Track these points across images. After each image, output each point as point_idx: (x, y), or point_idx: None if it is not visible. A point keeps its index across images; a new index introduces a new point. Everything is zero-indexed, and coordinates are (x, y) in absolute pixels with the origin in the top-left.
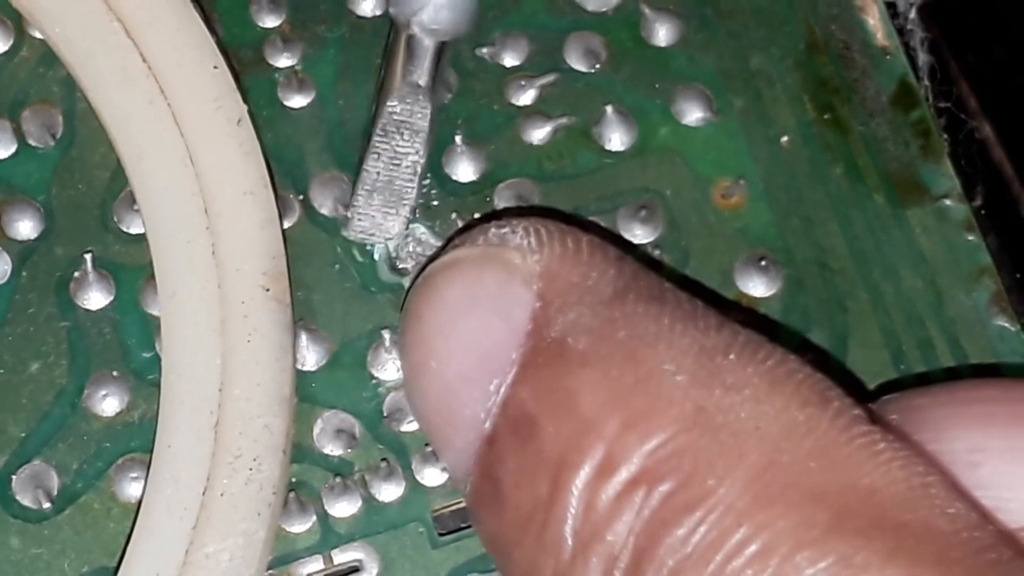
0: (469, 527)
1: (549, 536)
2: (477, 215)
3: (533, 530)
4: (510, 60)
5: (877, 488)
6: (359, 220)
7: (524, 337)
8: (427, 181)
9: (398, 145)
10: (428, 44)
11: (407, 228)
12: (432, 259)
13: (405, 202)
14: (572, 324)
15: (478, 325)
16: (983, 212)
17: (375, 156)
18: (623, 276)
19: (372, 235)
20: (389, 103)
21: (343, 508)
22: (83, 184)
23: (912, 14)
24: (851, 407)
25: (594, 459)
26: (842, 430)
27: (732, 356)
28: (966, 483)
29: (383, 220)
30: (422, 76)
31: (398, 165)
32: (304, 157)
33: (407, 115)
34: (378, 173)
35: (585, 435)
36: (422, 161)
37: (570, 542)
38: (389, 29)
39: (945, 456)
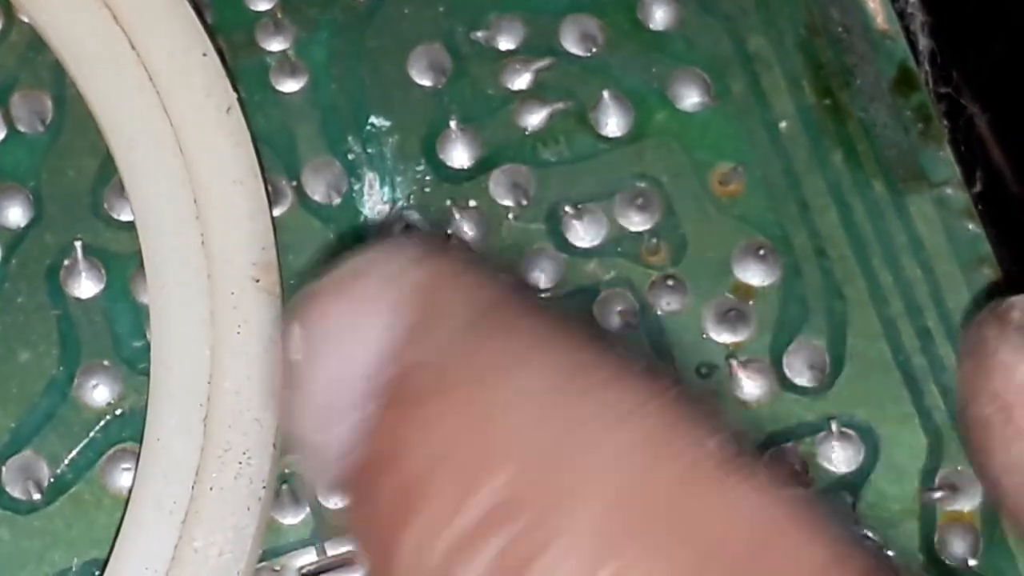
0: None
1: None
2: (472, 202)
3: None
4: (505, 44)
5: (743, 525)
6: None
7: (387, 360)
8: (421, 167)
9: None
10: None
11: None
12: None
13: None
14: (432, 348)
15: (332, 359)
16: (979, 207)
17: None
18: (484, 300)
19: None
20: None
21: (337, 499)
22: (73, 171)
23: None
24: (716, 438)
25: (445, 496)
26: (706, 462)
27: (601, 375)
28: None
29: None
30: None
31: None
32: (297, 142)
33: None
34: None
35: (438, 469)
36: None
37: None
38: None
39: None
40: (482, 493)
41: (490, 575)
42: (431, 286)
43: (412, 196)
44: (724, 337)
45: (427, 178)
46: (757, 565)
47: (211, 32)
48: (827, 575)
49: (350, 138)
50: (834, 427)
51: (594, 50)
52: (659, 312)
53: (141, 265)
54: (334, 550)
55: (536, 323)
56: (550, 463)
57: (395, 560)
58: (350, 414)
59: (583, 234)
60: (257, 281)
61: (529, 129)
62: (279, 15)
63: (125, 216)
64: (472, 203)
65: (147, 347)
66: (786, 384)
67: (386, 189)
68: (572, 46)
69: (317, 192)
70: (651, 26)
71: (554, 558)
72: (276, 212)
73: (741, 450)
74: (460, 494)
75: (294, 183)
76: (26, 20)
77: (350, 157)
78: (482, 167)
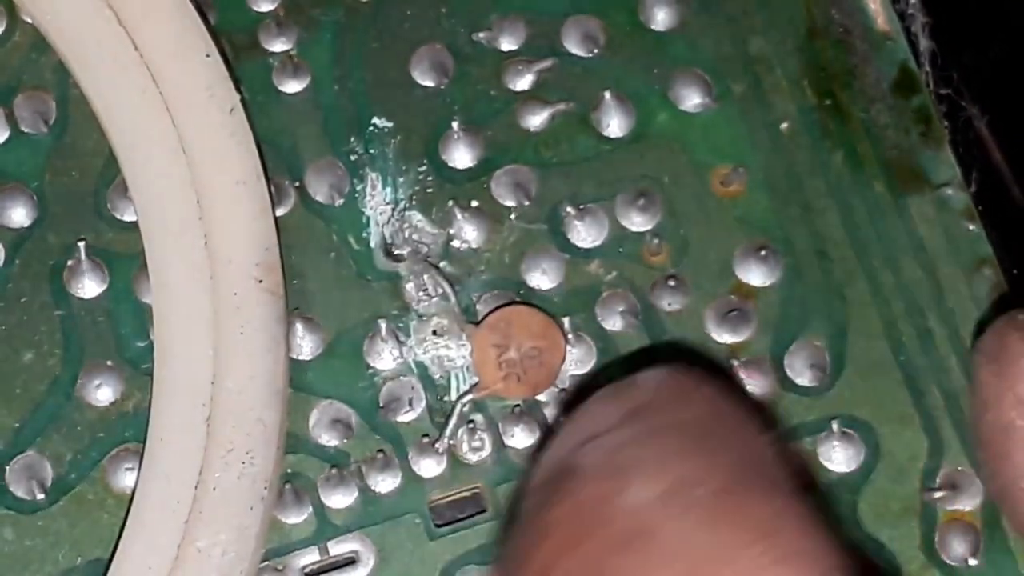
0: (466, 518)
1: None
2: (474, 203)
3: None
4: (507, 44)
5: None
6: None
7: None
8: (423, 167)
9: None
10: None
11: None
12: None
13: None
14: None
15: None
16: (980, 208)
17: None
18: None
19: None
20: None
21: (339, 499)
22: (76, 171)
23: None
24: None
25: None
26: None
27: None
28: None
29: None
30: None
31: None
32: (299, 143)
33: None
34: None
35: (540, 544)
36: None
37: None
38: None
39: None
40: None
41: None
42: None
43: (414, 196)
44: (725, 337)
45: (429, 178)
46: None
47: (214, 33)
48: None
49: (352, 139)
50: (835, 427)
51: (596, 51)
52: (661, 312)
53: (144, 265)
54: (336, 549)
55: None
56: (632, 555)
57: None
58: None
59: (585, 234)
60: (260, 282)
61: (531, 130)
62: (282, 16)
63: (128, 216)
64: (474, 203)
65: (150, 347)
66: (787, 384)
67: (388, 189)
68: (574, 47)
69: (320, 192)
70: (653, 27)
71: None
72: (279, 212)
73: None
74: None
75: (297, 184)
76: (30, 21)
77: (352, 158)
78: (484, 167)
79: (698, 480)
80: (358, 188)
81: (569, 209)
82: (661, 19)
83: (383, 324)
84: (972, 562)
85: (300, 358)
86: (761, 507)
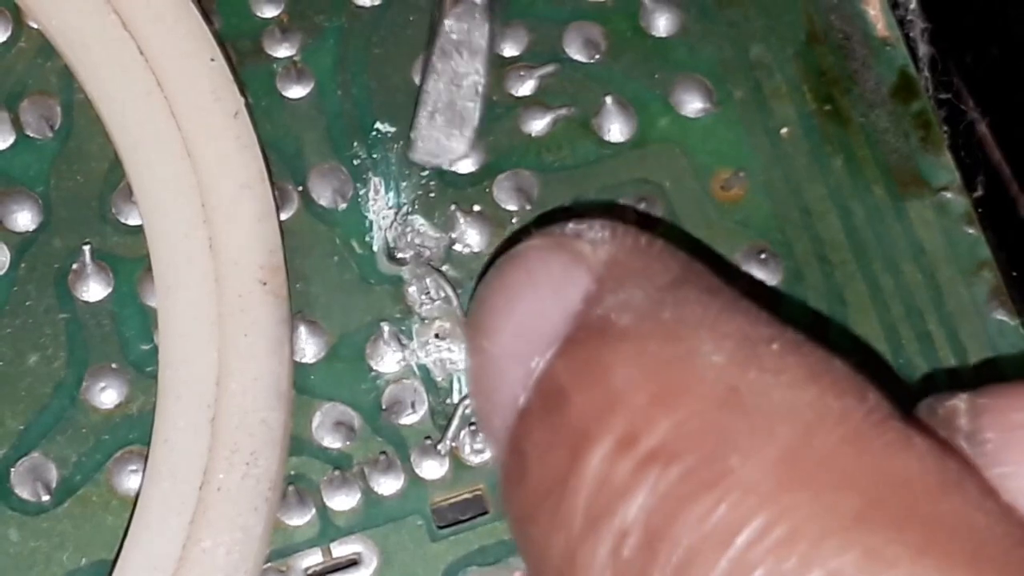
0: (468, 520)
1: (562, 512)
2: (477, 207)
3: (549, 506)
4: (509, 50)
5: (910, 477)
6: (422, 142)
7: (572, 317)
8: (426, 172)
9: (457, 65)
10: None
11: (469, 151)
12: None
13: (468, 123)
14: (620, 303)
15: (531, 306)
16: (980, 210)
17: (434, 77)
18: (684, 270)
19: (437, 157)
20: (446, 22)
21: (342, 501)
22: (81, 175)
23: (912, 4)
24: (888, 405)
25: (615, 431)
26: (877, 422)
27: (775, 346)
28: None
29: (447, 141)
30: None
31: (459, 86)
32: (303, 148)
33: (464, 34)
34: (439, 94)
35: (610, 407)
36: (483, 81)
37: (580, 518)
38: None
39: None
40: (673, 419)
41: (664, 499)
42: (623, 259)
43: (417, 201)
44: None
45: (432, 183)
46: (915, 518)
47: (218, 39)
48: (984, 539)
49: (355, 143)
50: None
51: (597, 57)
52: None
53: (148, 269)
54: (339, 551)
55: (724, 295)
56: (728, 411)
57: (581, 470)
58: (529, 359)
59: None
60: (264, 284)
61: (533, 134)
62: (286, 22)
63: (133, 220)
64: (476, 208)
65: (154, 350)
66: None
67: (391, 194)
68: (575, 53)
69: (323, 197)
70: (653, 33)
71: (724, 491)
72: (283, 216)
73: (893, 412)
74: (648, 421)
75: (300, 188)
76: (35, 26)
77: (355, 162)
78: (486, 172)
79: (760, 337)
80: (361, 192)
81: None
82: (662, 25)
83: (386, 327)
84: None
85: (303, 361)
86: (831, 361)
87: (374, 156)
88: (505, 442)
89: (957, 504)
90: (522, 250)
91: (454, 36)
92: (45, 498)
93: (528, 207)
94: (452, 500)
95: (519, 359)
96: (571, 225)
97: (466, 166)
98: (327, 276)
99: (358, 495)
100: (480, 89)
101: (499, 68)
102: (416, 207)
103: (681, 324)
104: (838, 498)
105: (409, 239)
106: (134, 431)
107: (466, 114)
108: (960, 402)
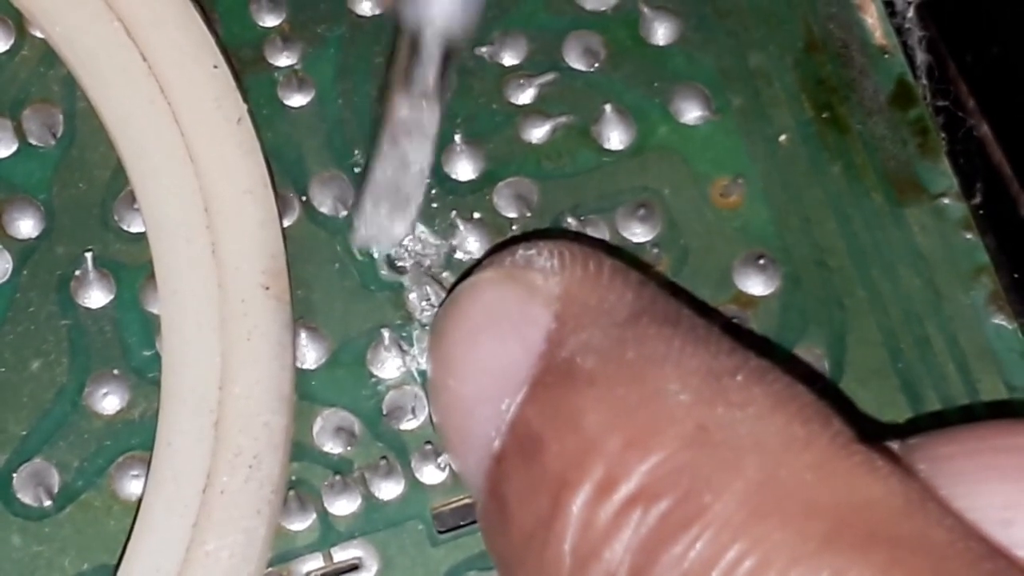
0: (468, 525)
1: (549, 555)
2: (477, 214)
3: (535, 549)
4: (509, 59)
5: (873, 501)
6: (365, 229)
7: (537, 357)
8: (427, 180)
9: (406, 153)
10: (436, 48)
11: (412, 232)
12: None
13: (411, 206)
14: (583, 344)
15: (495, 345)
16: (981, 212)
17: (382, 164)
18: (640, 300)
19: (378, 242)
20: (399, 110)
21: (343, 506)
22: (84, 183)
23: (910, 13)
24: (851, 431)
25: (594, 477)
26: (842, 446)
27: (739, 377)
28: (997, 542)
29: (390, 225)
30: (430, 81)
31: (406, 171)
32: (304, 156)
33: (415, 122)
34: (386, 181)
35: (586, 453)
36: (429, 165)
37: (568, 561)
38: (393, 31)
39: (976, 513)
40: (649, 462)
41: (646, 540)
42: (576, 291)
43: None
44: None
45: (432, 190)
46: (880, 538)
47: (220, 48)
48: (945, 555)
49: (356, 151)
50: None
51: (596, 65)
52: None
53: (151, 276)
54: (340, 556)
55: (683, 325)
56: (698, 450)
57: (564, 515)
58: (499, 400)
59: None
60: (267, 288)
61: (533, 142)
62: (287, 31)
63: (134, 228)
64: (477, 215)
65: (156, 356)
66: None
67: None
68: (575, 61)
69: (324, 205)
70: (652, 42)
71: (700, 528)
72: (284, 224)
73: (856, 438)
74: (624, 466)
75: (302, 196)
76: (38, 34)
77: (357, 170)
78: (487, 180)
79: (724, 369)
80: None
81: (570, 220)
82: (661, 34)
83: (386, 333)
84: None
85: (304, 367)
86: (795, 387)
87: None
88: (483, 484)
89: (920, 523)
90: (476, 283)
91: (405, 123)
92: (47, 503)
93: (528, 214)
94: (452, 505)
95: (487, 400)
96: (520, 252)
97: (466, 173)
98: (328, 283)
99: (359, 500)
100: (426, 173)
101: (499, 77)
102: (416, 215)
103: (646, 363)
104: (806, 524)
105: (409, 247)
106: (136, 436)
107: (410, 198)
108: (893, 444)
